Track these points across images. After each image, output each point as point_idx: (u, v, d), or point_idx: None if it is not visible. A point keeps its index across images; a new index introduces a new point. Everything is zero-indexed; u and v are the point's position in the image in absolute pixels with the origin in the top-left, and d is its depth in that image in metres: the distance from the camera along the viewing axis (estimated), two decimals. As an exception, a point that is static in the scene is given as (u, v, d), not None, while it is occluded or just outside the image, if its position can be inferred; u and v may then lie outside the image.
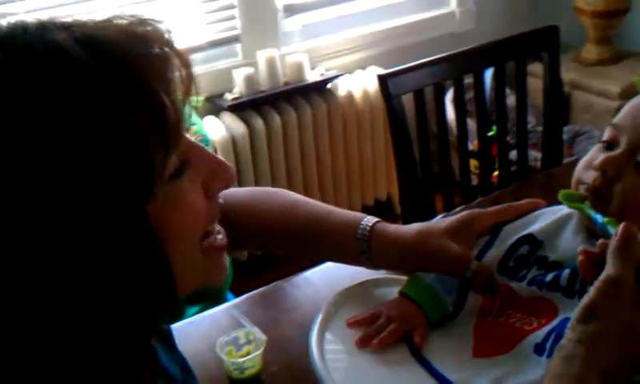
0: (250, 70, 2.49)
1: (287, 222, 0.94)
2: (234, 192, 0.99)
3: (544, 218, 0.83)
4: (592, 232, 0.77)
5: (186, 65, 0.58)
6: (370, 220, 0.89)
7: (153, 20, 0.58)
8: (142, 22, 0.57)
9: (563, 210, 0.82)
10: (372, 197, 2.89)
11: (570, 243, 0.79)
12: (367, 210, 2.87)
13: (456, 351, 0.79)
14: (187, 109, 0.58)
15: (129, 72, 0.53)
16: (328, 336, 0.83)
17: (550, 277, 0.76)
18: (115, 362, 0.52)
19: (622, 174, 0.74)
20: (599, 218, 0.71)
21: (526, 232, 0.82)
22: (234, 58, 2.59)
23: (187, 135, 0.59)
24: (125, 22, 0.56)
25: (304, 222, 0.93)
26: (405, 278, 0.92)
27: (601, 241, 0.66)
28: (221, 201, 0.64)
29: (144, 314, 0.54)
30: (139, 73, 0.53)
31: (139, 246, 0.53)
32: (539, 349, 0.73)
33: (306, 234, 0.93)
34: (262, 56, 2.51)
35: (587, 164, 0.78)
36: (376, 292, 0.92)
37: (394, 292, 0.91)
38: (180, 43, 0.59)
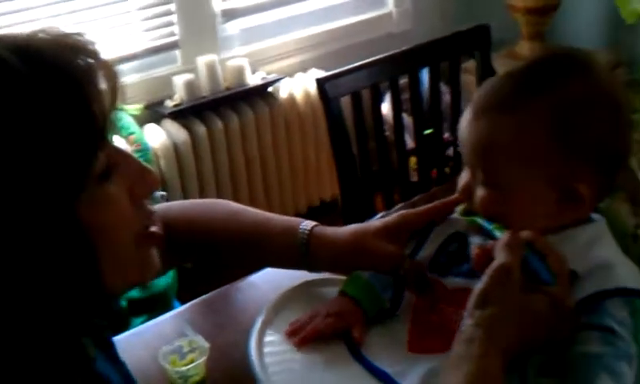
0: (190, 76, 2.48)
1: (227, 232, 0.96)
2: (172, 205, 1.00)
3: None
4: None
5: (112, 76, 0.62)
6: (308, 224, 0.92)
7: (77, 33, 0.61)
8: (67, 35, 0.60)
9: None
10: (317, 197, 2.91)
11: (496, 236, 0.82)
12: (313, 211, 2.90)
13: (392, 346, 0.81)
14: (114, 115, 0.61)
15: (59, 76, 0.56)
16: (268, 338, 0.85)
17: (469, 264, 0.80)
18: (43, 360, 0.54)
19: (474, 192, 0.79)
20: (487, 224, 0.78)
21: (453, 230, 0.85)
22: (174, 65, 2.58)
23: (119, 143, 0.62)
24: (50, 35, 0.59)
25: (244, 231, 0.95)
26: (343, 278, 0.95)
27: (491, 242, 0.74)
28: (151, 207, 0.67)
29: (71, 309, 0.56)
30: (68, 77, 0.57)
31: (68, 241, 0.55)
32: None
33: (246, 243, 0.96)
34: (201, 62, 2.50)
35: (466, 182, 0.83)
36: (316, 292, 0.94)
37: (333, 292, 0.93)
38: (106, 54, 0.62)
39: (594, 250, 0.76)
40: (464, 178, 0.81)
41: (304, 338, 0.84)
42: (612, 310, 0.72)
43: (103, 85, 0.60)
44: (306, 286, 0.95)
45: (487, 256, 0.73)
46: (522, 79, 0.76)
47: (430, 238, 0.87)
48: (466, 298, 0.75)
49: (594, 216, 0.81)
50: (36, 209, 0.53)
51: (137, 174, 0.64)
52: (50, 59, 0.57)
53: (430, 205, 0.89)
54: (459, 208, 0.84)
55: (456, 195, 0.86)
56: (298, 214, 2.84)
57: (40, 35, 0.59)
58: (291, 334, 0.85)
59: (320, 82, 1.58)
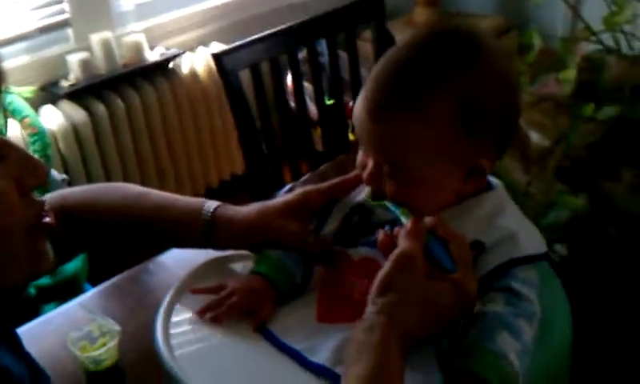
0: (84, 55, 2.39)
1: (131, 214, 0.95)
2: (73, 191, 0.99)
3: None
4: None
5: None
6: (211, 205, 0.92)
7: None
8: None
9: None
10: (228, 172, 2.89)
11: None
12: (225, 186, 2.88)
13: (301, 320, 0.82)
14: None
15: None
16: (175, 318, 0.84)
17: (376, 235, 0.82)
18: None
19: (382, 181, 0.80)
20: (394, 209, 0.79)
21: (355, 202, 0.87)
22: (66, 44, 2.47)
23: (12, 127, 0.61)
24: None
25: (149, 213, 0.94)
26: (252, 254, 0.95)
27: (397, 228, 0.75)
28: (40, 198, 0.66)
29: None
30: None
31: None
32: None
33: (152, 225, 0.95)
34: (95, 39, 2.42)
35: (361, 167, 0.83)
36: (225, 269, 0.94)
37: (241, 267, 0.94)
38: None
39: (499, 219, 0.79)
40: (369, 167, 0.80)
41: (213, 317, 0.84)
42: (518, 273, 0.76)
43: None
44: (215, 262, 0.95)
45: (392, 242, 0.74)
46: (418, 72, 0.74)
47: (332, 212, 0.89)
48: (372, 267, 0.78)
49: (492, 180, 0.85)
50: None
51: (24, 166, 0.64)
52: None
53: (331, 182, 0.90)
54: (365, 192, 0.85)
55: (356, 172, 0.87)
56: (209, 190, 2.82)
57: None
58: (201, 312, 0.85)
59: (217, 57, 1.57)
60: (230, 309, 0.84)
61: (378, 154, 0.78)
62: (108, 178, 2.48)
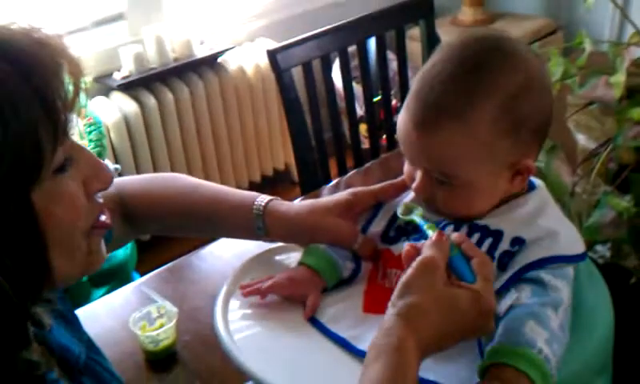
0: (138, 48, 2.47)
1: (187, 205, 0.98)
2: (132, 179, 1.02)
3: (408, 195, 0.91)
4: None
5: (77, 72, 0.64)
6: (263, 199, 0.95)
7: (47, 29, 0.63)
8: (37, 29, 0.62)
9: None
10: (270, 167, 2.95)
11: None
12: (266, 180, 2.94)
13: (348, 310, 0.85)
14: (75, 111, 0.64)
15: (24, 68, 0.58)
16: (232, 305, 0.88)
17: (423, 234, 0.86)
18: None
19: (433, 190, 0.82)
20: (422, 224, 0.81)
21: (395, 209, 0.90)
22: (120, 36, 2.55)
23: (73, 137, 0.65)
24: (22, 27, 0.61)
25: (203, 205, 0.97)
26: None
27: (422, 241, 0.77)
28: (101, 200, 0.69)
29: (17, 295, 0.58)
30: (33, 70, 0.59)
31: (19, 226, 0.58)
32: None
33: (205, 216, 0.98)
34: (148, 32, 2.49)
35: (408, 179, 0.86)
36: (279, 260, 0.97)
37: (296, 258, 0.97)
38: (73, 50, 0.65)
39: (540, 219, 0.82)
40: (417, 179, 0.83)
41: (253, 291, 0.87)
42: (550, 266, 0.78)
43: (67, 80, 0.62)
44: (269, 253, 0.98)
45: (417, 254, 0.75)
46: (459, 83, 0.77)
47: (378, 214, 0.92)
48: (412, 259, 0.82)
49: (534, 180, 0.87)
50: None
51: (92, 170, 0.67)
52: (16, 50, 0.59)
53: (380, 185, 0.93)
54: (400, 209, 0.87)
55: (403, 178, 0.90)
56: (251, 184, 2.88)
57: (11, 26, 0.61)
58: (247, 287, 0.88)
59: (271, 54, 1.61)
60: (273, 286, 0.87)
61: (428, 165, 0.81)
62: (155, 169, 2.55)
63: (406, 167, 0.86)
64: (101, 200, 0.70)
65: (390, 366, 0.66)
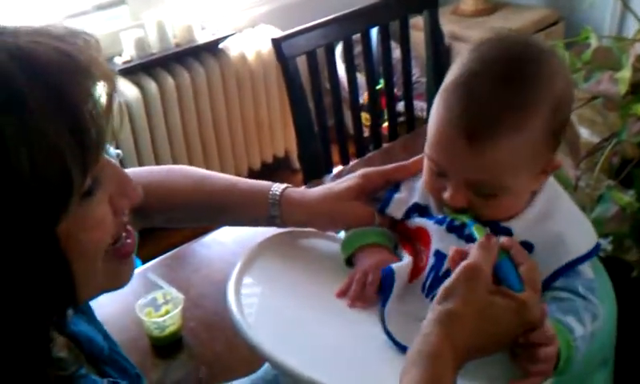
0: (139, 33, 2.46)
1: (197, 196, 0.98)
2: (139, 171, 1.01)
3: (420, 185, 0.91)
4: None
5: (110, 84, 0.60)
6: (278, 187, 0.95)
7: (84, 34, 0.60)
8: (74, 34, 0.59)
9: None
10: (270, 154, 2.95)
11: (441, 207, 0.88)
12: (266, 167, 2.94)
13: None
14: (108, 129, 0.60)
15: (57, 93, 0.54)
16: (245, 285, 0.88)
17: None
18: (14, 356, 0.55)
19: (470, 200, 0.81)
20: (471, 224, 0.80)
21: (411, 202, 0.91)
22: (121, 21, 2.55)
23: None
24: (58, 32, 0.58)
25: (215, 195, 0.98)
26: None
27: (470, 245, 0.76)
28: (126, 218, 0.66)
29: (42, 315, 0.57)
30: (67, 95, 0.55)
31: (45, 259, 0.55)
32: (423, 287, 0.83)
33: (216, 206, 0.98)
34: (149, 17, 2.48)
35: (435, 191, 0.84)
36: (292, 242, 0.98)
37: (308, 241, 0.98)
38: (107, 64, 0.61)
39: (549, 221, 0.81)
40: (450, 191, 0.81)
41: (361, 295, 0.85)
42: (577, 275, 0.79)
43: (102, 100, 0.58)
44: (281, 236, 0.98)
45: (462, 258, 0.74)
46: (515, 94, 0.76)
47: (390, 205, 0.92)
48: (422, 234, 0.84)
49: None
50: (17, 225, 0.53)
51: (119, 187, 0.64)
52: (43, 66, 0.54)
53: (390, 166, 0.94)
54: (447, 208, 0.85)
55: (414, 159, 0.91)
56: (251, 171, 2.88)
57: (49, 30, 0.56)
58: (341, 294, 0.87)
59: (276, 42, 1.61)
60: (373, 283, 0.85)
61: (475, 175, 0.79)
62: (156, 154, 2.55)
63: (429, 175, 0.84)
64: (126, 218, 0.66)
65: (424, 374, 0.65)
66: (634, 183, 1.06)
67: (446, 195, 0.81)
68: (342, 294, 0.87)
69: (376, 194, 0.94)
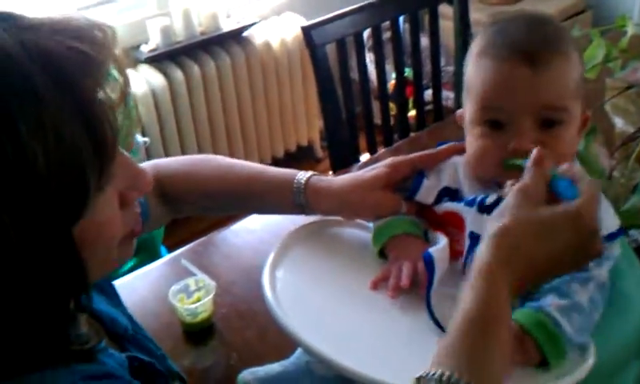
0: (165, 21, 2.47)
1: (225, 185, 0.99)
2: (168, 162, 1.02)
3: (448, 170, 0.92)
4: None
5: (125, 79, 0.61)
6: (303, 175, 0.96)
7: (102, 26, 0.60)
8: (91, 26, 0.58)
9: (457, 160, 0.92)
10: (294, 143, 2.95)
11: (485, 186, 0.88)
12: (290, 156, 2.95)
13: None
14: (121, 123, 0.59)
15: (72, 92, 0.54)
16: (279, 271, 0.89)
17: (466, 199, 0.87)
18: (33, 338, 0.57)
19: (537, 138, 0.81)
20: (526, 160, 0.78)
21: (441, 186, 0.91)
22: (147, 9, 2.55)
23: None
24: (76, 26, 0.58)
25: (242, 183, 0.98)
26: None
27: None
28: (137, 209, 0.66)
29: (56, 301, 0.57)
30: (82, 94, 0.55)
31: (59, 253, 0.55)
32: (463, 269, 0.83)
33: (242, 194, 0.99)
34: (175, 5, 2.49)
35: (495, 150, 0.84)
36: (324, 231, 0.98)
37: (342, 231, 0.98)
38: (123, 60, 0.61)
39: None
40: (524, 140, 0.81)
41: (398, 285, 0.86)
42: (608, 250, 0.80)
43: (115, 96, 0.58)
44: (312, 225, 0.99)
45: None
46: (554, 31, 0.85)
47: (420, 191, 0.92)
48: (453, 219, 0.85)
49: None
50: (33, 222, 0.53)
51: (130, 180, 0.63)
52: (58, 63, 0.54)
53: (416, 154, 0.94)
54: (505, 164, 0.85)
55: (441, 148, 0.92)
56: (274, 159, 2.89)
57: (59, 38, 0.55)
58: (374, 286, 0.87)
59: (306, 30, 1.61)
60: (409, 274, 0.85)
61: (540, 100, 0.82)
62: (181, 142, 2.56)
63: (483, 140, 0.85)
64: (137, 209, 0.66)
65: (478, 292, 0.65)
66: (670, 173, 1.04)
67: (512, 145, 0.82)
68: (376, 285, 0.87)
69: (403, 183, 0.94)
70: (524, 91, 0.81)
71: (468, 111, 0.87)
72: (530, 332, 0.73)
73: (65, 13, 0.59)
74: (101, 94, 0.56)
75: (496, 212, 0.72)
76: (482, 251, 0.68)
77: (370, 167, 0.95)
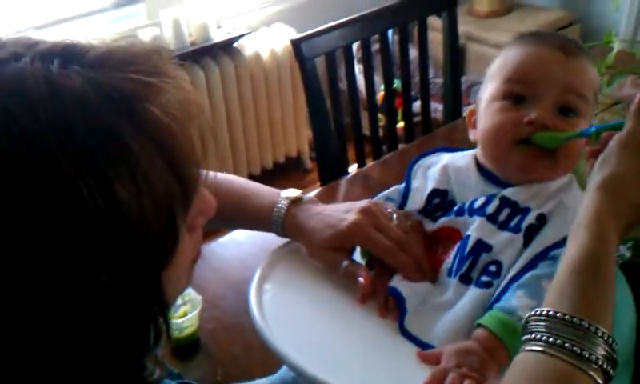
0: (155, 31, 2.46)
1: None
2: None
3: (436, 171, 0.94)
4: (492, 178, 0.89)
5: (202, 119, 0.59)
6: (283, 206, 0.95)
7: (161, 48, 0.58)
8: (155, 51, 0.57)
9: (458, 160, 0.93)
10: (282, 154, 2.95)
11: (473, 189, 0.90)
12: (279, 167, 2.94)
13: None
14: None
15: (155, 135, 0.52)
16: (266, 286, 0.88)
17: (456, 208, 0.88)
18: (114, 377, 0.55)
19: (552, 120, 0.85)
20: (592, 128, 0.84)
21: (430, 189, 0.93)
22: (138, 19, 2.55)
23: None
24: (136, 51, 0.55)
25: (230, 202, 0.98)
26: None
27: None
28: (200, 231, 0.64)
29: (139, 331, 0.55)
30: (162, 134, 0.52)
31: (148, 297, 0.54)
32: (449, 272, 0.84)
33: (231, 213, 0.99)
34: (166, 16, 2.49)
35: (512, 123, 0.86)
36: None
37: None
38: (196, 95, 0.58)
39: (565, 195, 0.86)
40: (544, 114, 0.85)
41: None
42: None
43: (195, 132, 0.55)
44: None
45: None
46: (570, 39, 0.92)
47: (409, 196, 0.94)
48: (448, 233, 0.86)
49: None
50: (128, 277, 0.51)
51: (199, 208, 0.61)
52: (161, 133, 0.52)
53: (393, 209, 0.93)
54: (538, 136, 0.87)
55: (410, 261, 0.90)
56: (263, 170, 2.88)
57: (124, 74, 0.52)
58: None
59: (295, 43, 1.61)
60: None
61: (566, 84, 0.86)
62: (170, 152, 2.55)
63: (504, 112, 0.88)
64: (200, 231, 0.64)
65: (588, 239, 0.65)
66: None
67: (532, 115, 0.85)
68: (364, 300, 0.87)
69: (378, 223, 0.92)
70: (557, 68, 0.86)
71: (489, 91, 0.91)
72: (502, 339, 0.74)
73: (119, 38, 0.56)
74: (170, 122, 0.53)
75: (600, 159, 0.72)
76: (590, 200, 0.69)
77: (346, 208, 0.93)
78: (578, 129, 0.84)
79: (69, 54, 0.52)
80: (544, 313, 0.62)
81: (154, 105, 0.52)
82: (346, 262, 0.90)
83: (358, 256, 0.92)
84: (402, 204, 0.94)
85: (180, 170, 0.53)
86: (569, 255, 0.66)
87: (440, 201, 0.92)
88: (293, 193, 0.98)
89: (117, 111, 0.50)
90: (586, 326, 0.60)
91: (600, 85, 0.93)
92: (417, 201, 0.93)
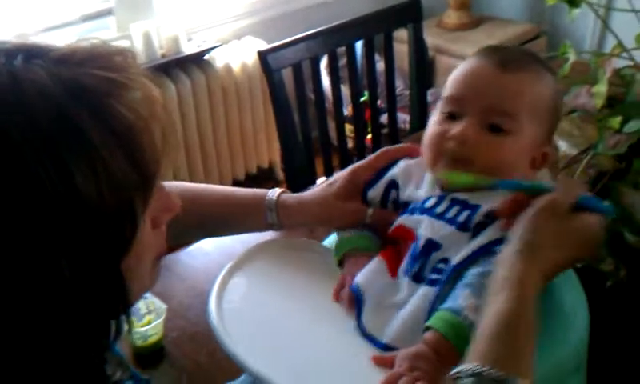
0: (125, 43, 2.46)
1: (196, 211, 0.98)
2: None
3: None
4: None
5: (164, 116, 0.61)
6: (273, 194, 0.98)
7: (124, 50, 0.60)
8: (117, 52, 0.59)
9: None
10: (254, 165, 2.96)
11: (427, 189, 0.92)
12: (251, 178, 2.95)
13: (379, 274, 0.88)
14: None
15: (113, 126, 0.54)
16: (228, 291, 0.89)
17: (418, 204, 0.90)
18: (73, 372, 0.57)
19: (477, 138, 0.86)
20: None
21: (388, 178, 0.96)
22: (108, 32, 2.55)
23: None
24: (100, 51, 0.58)
25: (213, 208, 1.00)
26: (298, 239, 1.02)
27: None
28: (164, 227, 0.67)
29: (99, 324, 0.58)
30: (121, 125, 0.55)
31: (108, 286, 0.56)
32: (405, 272, 0.86)
33: (216, 218, 1.00)
34: (136, 29, 2.49)
35: (439, 136, 0.89)
36: (277, 252, 0.99)
37: (293, 252, 0.99)
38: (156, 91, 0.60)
39: None
40: (463, 124, 0.86)
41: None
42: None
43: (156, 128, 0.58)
44: (266, 245, 0.99)
45: (518, 205, 0.79)
46: (526, 55, 0.90)
47: (379, 182, 0.96)
48: (401, 232, 0.88)
49: None
50: (88, 264, 0.54)
51: (161, 205, 0.63)
52: (124, 124, 0.54)
53: (375, 154, 0.98)
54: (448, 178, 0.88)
55: (398, 146, 0.98)
56: (235, 182, 2.89)
57: (86, 69, 0.55)
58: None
59: (262, 54, 1.63)
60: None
61: (495, 101, 0.85)
62: (141, 164, 2.54)
63: (437, 122, 0.89)
64: (164, 227, 0.67)
65: (512, 296, 0.69)
66: (610, 195, 1.08)
67: (455, 130, 0.86)
68: (337, 296, 0.90)
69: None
70: (486, 86, 0.86)
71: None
72: (451, 340, 0.75)
73: (83, 39, 0.60)
74: (133, 117, 0.56)
75: (523, 222, 0.76)
76: (515, 261, 0.73)
77: (334, 178, 0.99)
78: (509, 149, 0.85)
79: (33, 51, 0.55)
80: (473, 371, 0.65)
81: (117, 100, 0.55)
82: (371, 210, 0.94)
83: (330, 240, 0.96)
84: (363, 197, 0.97)
85: (140, 162, 0.56)
86: (494, 310, 0.69)
87: (396, 195, 0.95)
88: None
89: (79, 104, 0.52)
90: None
91: (555, 98, 0.90)
92: (373, 197, 0.96)
